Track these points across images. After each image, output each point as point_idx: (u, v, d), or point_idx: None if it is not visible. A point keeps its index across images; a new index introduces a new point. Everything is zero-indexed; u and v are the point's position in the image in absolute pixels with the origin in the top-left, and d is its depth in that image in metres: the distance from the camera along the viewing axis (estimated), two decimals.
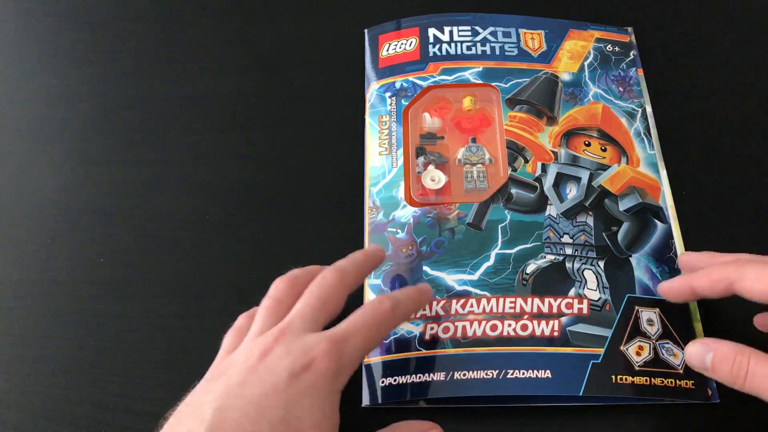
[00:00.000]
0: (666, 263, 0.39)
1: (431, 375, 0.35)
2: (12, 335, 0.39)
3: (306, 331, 0.30)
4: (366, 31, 0.49)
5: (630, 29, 0.49)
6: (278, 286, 0.33)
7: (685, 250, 0.40)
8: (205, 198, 0.43)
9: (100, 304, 0.40)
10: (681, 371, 0.36)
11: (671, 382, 0.35)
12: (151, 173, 0.44)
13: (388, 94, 0.45)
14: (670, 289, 0.36)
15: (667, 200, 0.42)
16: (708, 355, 0.32)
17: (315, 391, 0.28)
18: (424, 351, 0.36)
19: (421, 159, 0.43)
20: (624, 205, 0.41)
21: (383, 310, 0.32)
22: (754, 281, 0.31)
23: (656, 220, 0.41)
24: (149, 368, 0.38)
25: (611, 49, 0.48)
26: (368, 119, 0.45)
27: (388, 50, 0.47)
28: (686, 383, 0.35)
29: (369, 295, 0.39)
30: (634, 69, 0.47)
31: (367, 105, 0.46)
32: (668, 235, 0.40)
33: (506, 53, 0.47)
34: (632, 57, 0.47)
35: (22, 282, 0.41)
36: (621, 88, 0.46)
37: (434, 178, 0.42)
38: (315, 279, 0.33)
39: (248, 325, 0.33)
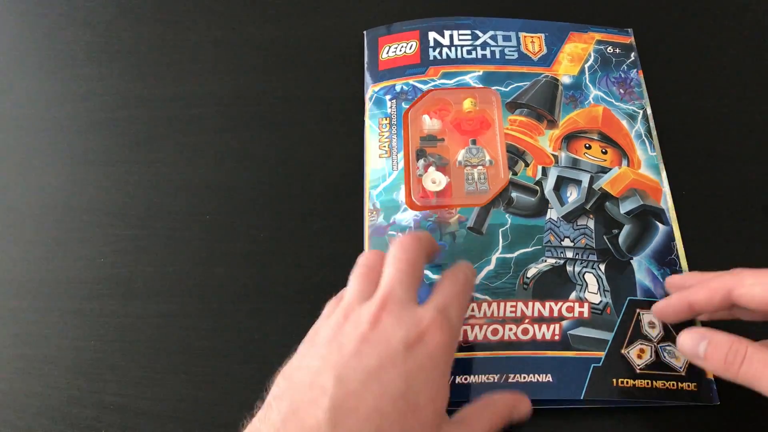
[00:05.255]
0: (667, 266, 0.39)
1: None
2: (12, 335, 0.39)
3: (408, 300, 0.30)
4: (365, 32, 0.49)
5: (630, 31, 0.49)
6: (367, 255, 0.33)
7: (686, 251, 0.40)
8: (205, 198, 0.43)
9: (100, 303, 0.40)
10: (683, 373, 0.36)
11: (673, 384, 0.35)
12: (151, 173, 0.44)
13: (388, 97, 0.45)
14: (666, 307, 0.35)
15: (668, 202, 0.42)
16: (702, 343, 0.31)
17: (431, 364, 0.28)
18: None
19: (422, 161, 0.43)
20: (625, 207, 0.41)
21: (465, 277, 0.32)
22: (754, 285, 0.30)
23: (658, 223, 0.41)
24: (149, 368, 0.38)
25: (612, 51, 0.48)
26: (368, 121, 0.45)
27: (387, 53, 0.47)
28: (688, 385, 0.35)
29: None
30: (635, 70, 0.47)
31: (367, 107, 0.45)
32: (670, 237, 0.40)
33: (506, 57, 0.47)
34: (633, 58, 0.47)
35: (23, 282, 0.41)
36: (622, 90, 0.46)
37: (435, 180, 0.42)
38: (394, 244, 0.32)
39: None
